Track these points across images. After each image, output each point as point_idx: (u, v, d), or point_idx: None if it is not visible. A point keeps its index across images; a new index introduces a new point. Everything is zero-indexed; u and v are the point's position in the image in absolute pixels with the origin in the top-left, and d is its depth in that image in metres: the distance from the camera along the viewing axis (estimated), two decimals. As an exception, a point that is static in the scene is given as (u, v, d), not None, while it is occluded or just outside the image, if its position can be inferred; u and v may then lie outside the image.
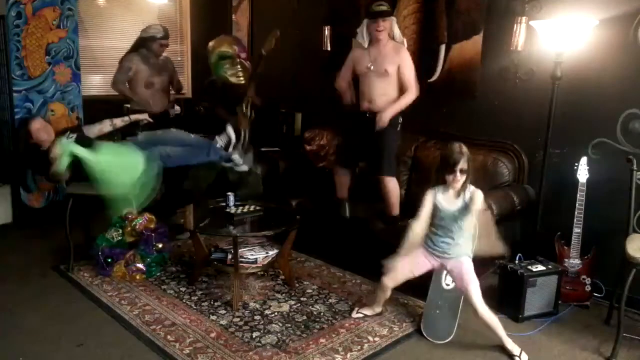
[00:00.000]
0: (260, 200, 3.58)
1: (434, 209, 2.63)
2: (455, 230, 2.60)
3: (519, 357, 2.56)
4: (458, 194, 2.59)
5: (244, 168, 3.96)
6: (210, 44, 4.35)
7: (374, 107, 3.47)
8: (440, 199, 2.61)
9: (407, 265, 2.70)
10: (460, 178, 2.54)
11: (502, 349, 2.61)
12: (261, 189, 4.14)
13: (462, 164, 2.52)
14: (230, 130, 3.96)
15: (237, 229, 3.12)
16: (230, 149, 3.91)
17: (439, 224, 2.63)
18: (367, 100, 3.51)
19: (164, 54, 4.61)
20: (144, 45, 4.41)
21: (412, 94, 3.42)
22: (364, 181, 3.75)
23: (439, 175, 2.61)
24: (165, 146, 3.79)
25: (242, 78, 4.23)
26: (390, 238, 3.24)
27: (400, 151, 3.70)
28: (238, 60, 4.22)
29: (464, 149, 2.56)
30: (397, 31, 3.49)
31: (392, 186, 3.42)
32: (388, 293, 2.83)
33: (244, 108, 4.02)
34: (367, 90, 3.50)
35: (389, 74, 3.41)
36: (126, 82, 4.44)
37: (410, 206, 3.36)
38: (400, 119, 3.49)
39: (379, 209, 3.50)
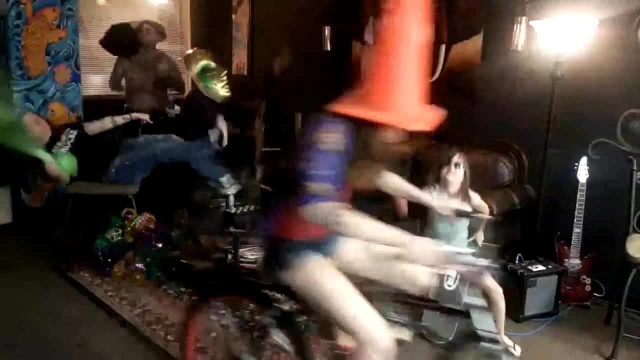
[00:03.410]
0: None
1: (427, 209, 2.63)
2: (449, 233, 2.61)
3: (514, 348, 2.58)
4: (455, 197, 2.59)
5: (232, 191, 3.95)
6: (189, 52, 4.38)
7: None
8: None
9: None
10: (455, 171, 2.54)
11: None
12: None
13: (457, 159, 2.54)
14: (221, 123, 3.97)
15: (237, 229, 3.12)
16: (224, 142, 3.95)
17: (433, 224, 2.63)
18: None
19: (160, 49, 4.64)
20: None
21: None
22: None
23: (437, 174, 2.61)
24: (159, 142, 3.86)
25: (228, 90, 4.26)
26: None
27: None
28: (224, 72, 4.25)
29: (463, 150, 2.59)
30: None
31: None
32: None
33: (258, 120, 4.06)
34: None
35: None
36: (119, 81, 4.53)
37: (411, 206, 3.37)
38: None
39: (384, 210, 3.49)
